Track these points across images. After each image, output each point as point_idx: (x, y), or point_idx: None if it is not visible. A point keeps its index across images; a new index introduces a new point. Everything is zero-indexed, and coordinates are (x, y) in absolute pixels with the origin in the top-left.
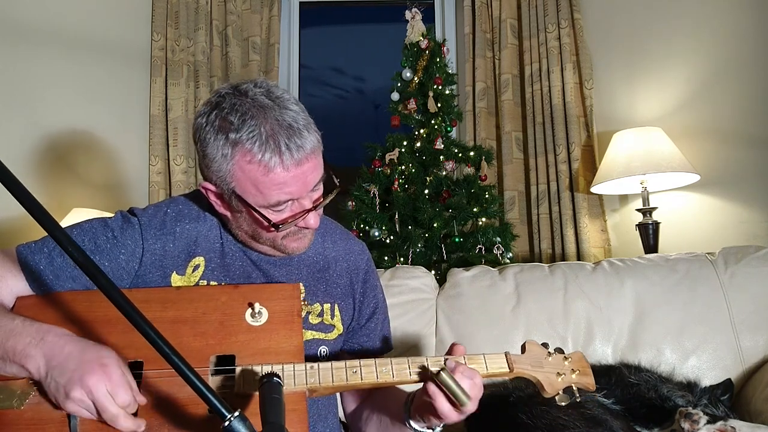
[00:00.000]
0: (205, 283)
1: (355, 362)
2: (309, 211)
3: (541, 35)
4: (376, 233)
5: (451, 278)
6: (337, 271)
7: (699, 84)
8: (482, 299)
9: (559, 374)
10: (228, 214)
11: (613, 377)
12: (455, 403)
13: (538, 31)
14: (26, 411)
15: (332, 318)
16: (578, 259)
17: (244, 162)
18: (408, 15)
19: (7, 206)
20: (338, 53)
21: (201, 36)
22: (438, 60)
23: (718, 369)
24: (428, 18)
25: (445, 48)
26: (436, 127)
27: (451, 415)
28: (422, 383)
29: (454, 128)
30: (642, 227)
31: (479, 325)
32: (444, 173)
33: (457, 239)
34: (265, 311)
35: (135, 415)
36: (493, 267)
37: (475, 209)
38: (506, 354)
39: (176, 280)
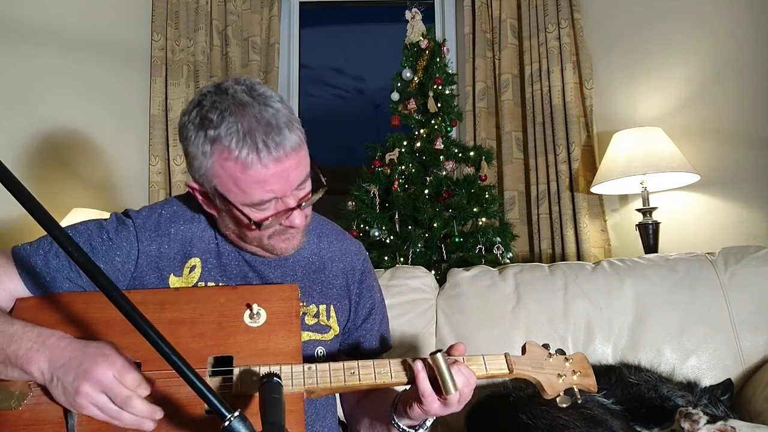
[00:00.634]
0: (203, 284)
1: (353, 363)
2: (293, 209)
3: (541, 35)
4: (376, 233)
5: (451, 278)
6: (333, 272)
7: (699, 84)
8: (482, 299)
9: (559, 375)
10: (215, 213)
11: (613, 377)
12: (440, 389)
13: (538, 31)
14: (24, 411)
15: (328, 319)
16: (578, 259)
17: (222, 159)
18: (408, 15)
19: (7, 206)
20: (338, 53)
21: (201, 36)
22: (438, 60)
23: (718, 369)
24: (428, 18)
25: (445, 48)
26: (436, 127)
27: (431, 400)
28: None
29: (454, 128)
30: (642, 227)
31: (479, 325)
32: (444, 173)
33: (457, 239)
34: (263, 312)
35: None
36: (493, 267)
37: (475, 209)
38: (506, 355)
39: (174, 281)
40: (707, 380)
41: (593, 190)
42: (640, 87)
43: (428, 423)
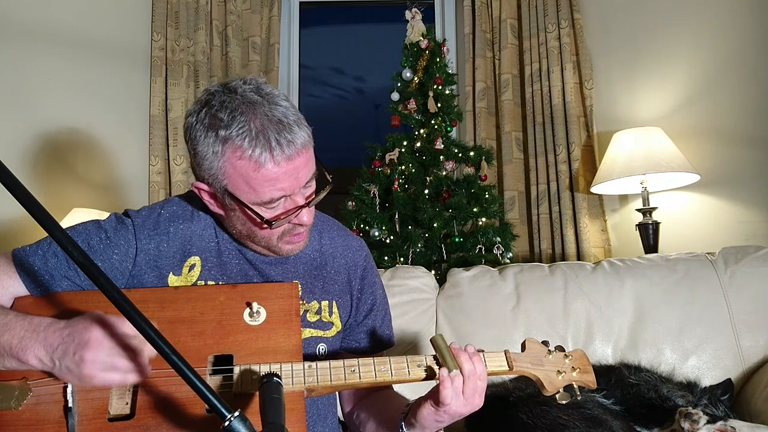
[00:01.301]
0: (203, 283)
1: (354, 361)
2: (302, 207)
3: (541, 35)
4: (376, 233)
5: (451, 278)
6: (335, 268)
7: (699, 84)
8: (482, 299)
9: (559, 372)
10: (222, 213)
11: (613, 377)
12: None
13: (538, 31)
14: (24, 411)
15: (330, 315)
16: (578, 259)
17: (234, 158)
18: (408, 15)
19: (7, 206)
20: (338, 53)
21: (201, 36)
22: (438, 60)
23: (718, 369)
24: (428, 18)
25: (445, 48)
26: (436, 127)
27: (449, 401)
28: (421, 381)
29: (454, 128)
30: (642, 227)
31: (479, 325)
32: (444, 173)
33: (457, 239)
34: (263, 311)
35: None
36: (493, 267)
37: (475, 209)
38: (506, 352)
39: (173, 280)
40: (707, 380)
41: (593, 190)
42: (640, 87)
43: None
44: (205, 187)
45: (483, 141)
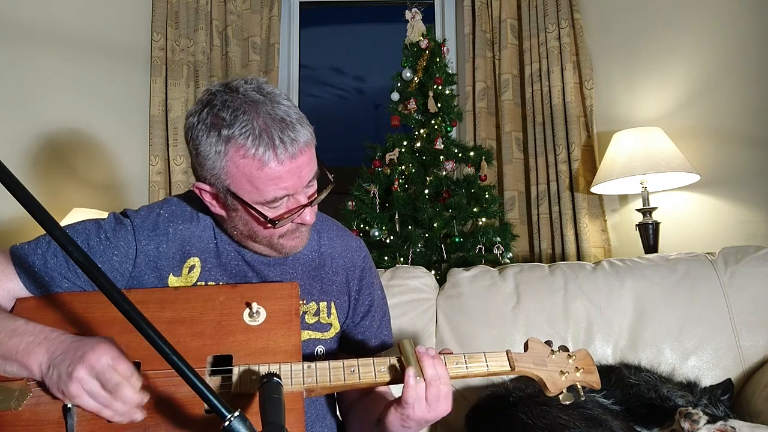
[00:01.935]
0: (203, 283)
1: (353, 362)
2: (305, 206)
3: (541, 35)
4: (376, 233)
5: (451, 278)
6: (333, 268)
7: (699, 84)
8: (482, 299)
9: (562, 372)
10: (223, 213)
11: (613, 377)
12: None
13: (538, 31)
14: (24, 412)
15: (329, 316)
16: (578, 259)
17: (238, 157)
18: (408, 15)
19: (7, 206)
20: (338, 53)
21: (201, 36)
22: (438, 60)
23: (718, 369)
24: (428, 18)
25: (445, 48)
26: (436, 127)
27: (411, 401)
28: None
29: (454, 128)
30: (642, 227)
31: (479, 325)
32: (444, 173)
33: (457, 239)
34: (263, 311)
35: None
36: (493, 267)
37: (475, 209)
38: (508, 352)
39: (173, 281)
40: (707, 380)
41: (593, 190)
42: (640, 87)
43: None
44: (206, 187)
45: (483, 141)
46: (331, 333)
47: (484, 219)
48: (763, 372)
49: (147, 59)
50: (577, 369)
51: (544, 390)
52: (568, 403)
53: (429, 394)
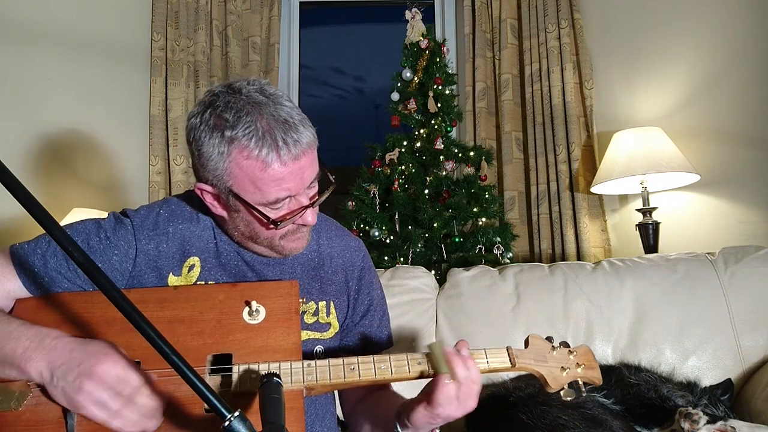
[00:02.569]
0: (203, 283)
1: (353, 359)
2: (307, 207)
3: (541, 35)
4: (376, 233)
5: (451, 278)
6: (332, 268)
7: (699, 84)
8: (482, 299)
9: (563, 368)
10: (225, 214)
11: (613, 377)
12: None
13: (538, 31)
14: (24, 412)
15: (328, 316)
16: (578, 259)
17: (241, 159)
18: (408, 15)
19: (7, 206)
20: (338, 53)
21: (201, 36)
22: (438, 60)
23: (718, 369)
24: (428, 18)
25: (445, 48)
26: (436, 127)
27: (443, 403)
28: (420, 380)
29: (454, 128)
30: (642, 227)
31: (479, 325)
32: (444, 173)
33: (457, 239)
34: (262, 309)
35: None
36: (493, 267)
37: (475, 209)
38: (508, 348)
39: (173, 281)
40: (707, 380)
41: (593, 190)
42: (640, 87)
43: None
44: (208, 188)
45: (483, 141)
46: (330, 333)
47: (484, 219)
48: (763, 372)
49: (147, 59)
50: (578, 365)
51: (545, 386)
52: (569, 399)
53: (461, 394)
